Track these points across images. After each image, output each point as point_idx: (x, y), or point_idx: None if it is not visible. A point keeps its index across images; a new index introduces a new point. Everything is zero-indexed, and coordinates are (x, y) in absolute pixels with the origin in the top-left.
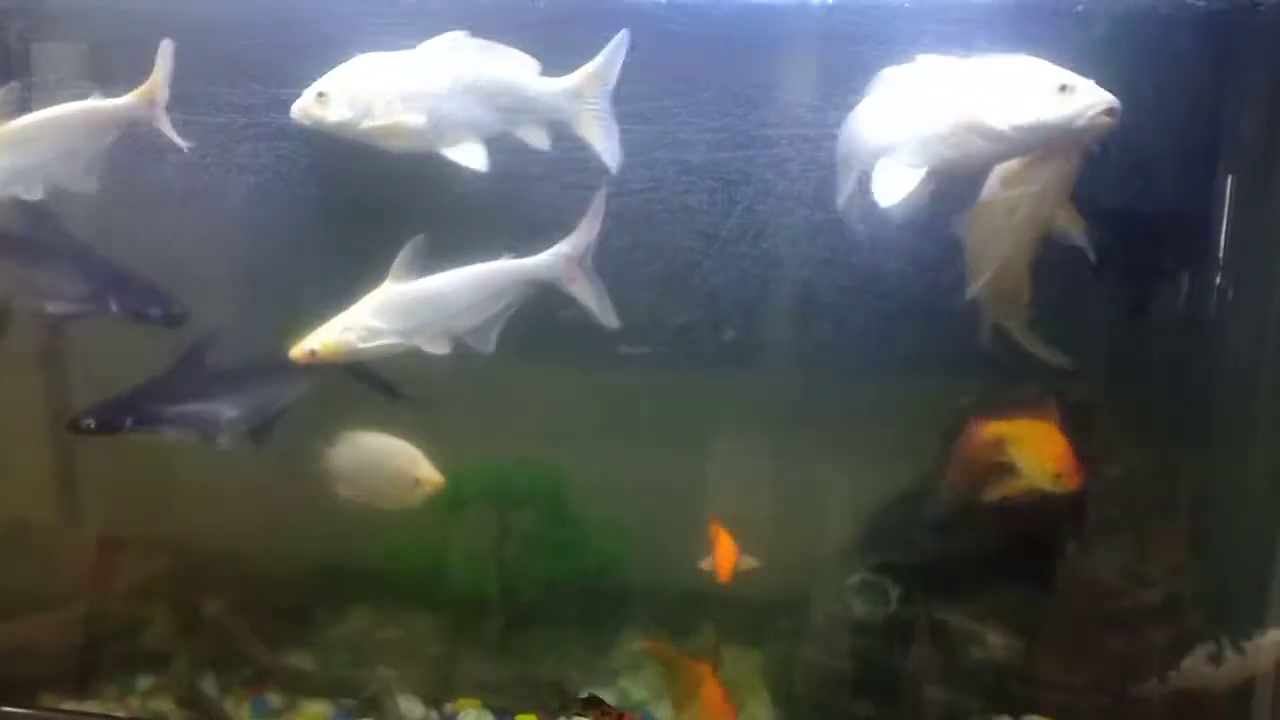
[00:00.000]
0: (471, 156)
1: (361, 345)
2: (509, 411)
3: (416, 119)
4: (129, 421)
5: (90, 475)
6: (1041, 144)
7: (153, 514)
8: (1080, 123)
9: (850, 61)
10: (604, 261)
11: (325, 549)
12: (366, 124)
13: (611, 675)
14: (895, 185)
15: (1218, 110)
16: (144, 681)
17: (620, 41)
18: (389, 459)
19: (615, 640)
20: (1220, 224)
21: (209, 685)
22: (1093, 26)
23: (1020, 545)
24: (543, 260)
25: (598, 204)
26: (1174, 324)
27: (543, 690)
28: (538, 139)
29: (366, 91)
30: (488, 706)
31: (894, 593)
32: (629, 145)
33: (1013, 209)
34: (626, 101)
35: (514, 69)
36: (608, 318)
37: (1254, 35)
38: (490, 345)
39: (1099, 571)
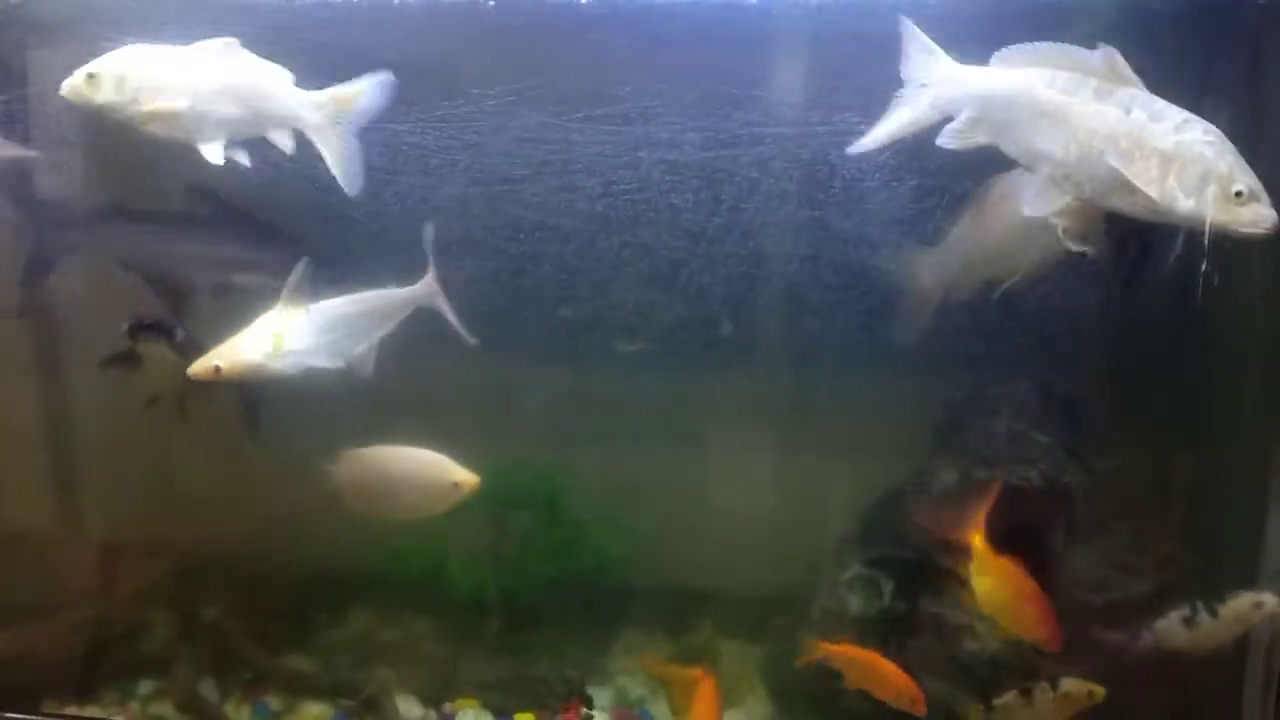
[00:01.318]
0: (222, 155)
1: (266, 365)
2: (506, 413)
3: (177, 106)
4: (180, 332)
5: (90, 481)
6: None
7: (152, 519)
8: (1240, 231)
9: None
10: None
11: (324, 552)
12: (131, 108)
13: (610, 674)
14: (1042, 200)
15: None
16: (145, 686)
17: (381, 81)
18: (421, 468)
19: (614, 639)
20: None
21: (209, 689)
22: (1079, 23)
23: (1011, 537)
24: (420, 288)
25: (428, 237)
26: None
27: (549, 685)
28: (285, 144)
29: (134, 78)
30: (486, 706)
31: (887, 587)
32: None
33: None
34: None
35: (269, 77)
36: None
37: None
38: (370, 368)
39: (1088, 563)
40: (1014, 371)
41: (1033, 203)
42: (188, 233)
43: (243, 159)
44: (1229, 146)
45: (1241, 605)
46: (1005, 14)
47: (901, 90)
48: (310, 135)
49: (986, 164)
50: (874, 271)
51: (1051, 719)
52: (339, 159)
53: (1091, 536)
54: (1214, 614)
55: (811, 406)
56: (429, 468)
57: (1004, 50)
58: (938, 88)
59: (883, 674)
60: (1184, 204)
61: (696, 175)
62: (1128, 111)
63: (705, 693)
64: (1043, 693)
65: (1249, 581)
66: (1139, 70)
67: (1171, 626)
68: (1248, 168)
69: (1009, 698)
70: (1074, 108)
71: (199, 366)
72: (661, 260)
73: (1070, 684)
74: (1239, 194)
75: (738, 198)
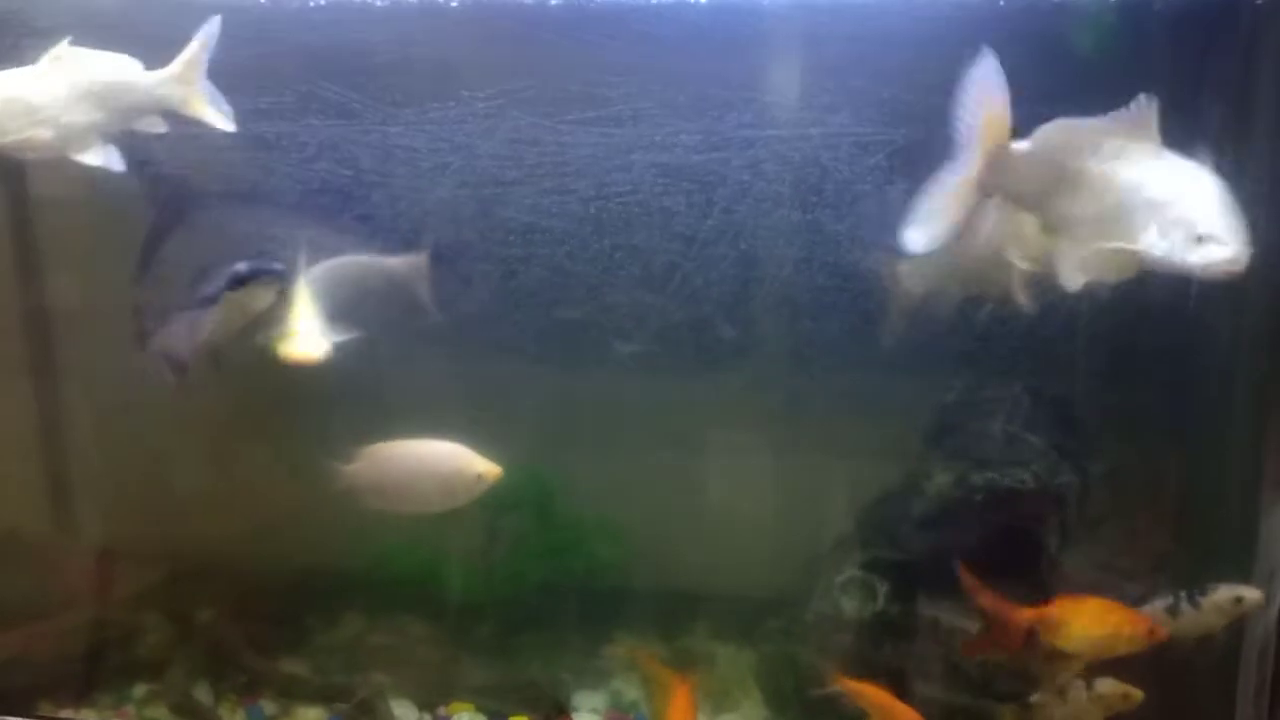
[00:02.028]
0: (101, 157)
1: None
2: (498, 415)
3: (45, 133)
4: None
5: (84, 484)
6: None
7: (146, 522)
8: (1204, 273)
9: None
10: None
11: (317, 556)
12: (1, 140)
13: (604, 676)
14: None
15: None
16: (139, 690)
17: (211, 27)
18: (442, 461)
19: (607, 642)
20: None
21: (203, 693)
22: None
23: (1006, 540)
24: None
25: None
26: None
27: (535, 694)
28: (156, 126)
29: None
30: (480, 710)
31: (882, 590)
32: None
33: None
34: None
35: (121, 69)
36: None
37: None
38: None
39: (1083, 566)
40: (1007, 374)
41: (1070, 274)
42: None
43: (115, 160)
44: (1209, 189)
45: (1222, 598)
46: (997, 13)
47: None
48: (178, 109)
49: None
50: (863, 274)
51: (1088, 717)
52: (212, 112)
53: (1084, 539)
54: (1196, 605)
55: (805, 409)
56: (451, 460)
57: (1044, 128)
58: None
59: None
60: (1161, 247)
61: (689, 178)
62: (1133, 170)
63: (680, 700)
64: (1077, 692)
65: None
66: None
67: (1155, 614)
68: (1223, 207)
69: (1043, 696)
70: (1094, 171)
71: (305, 350)
72: (657, 262)
73: (1105, 685)
74: (1199, 237)
75: (743, 199)
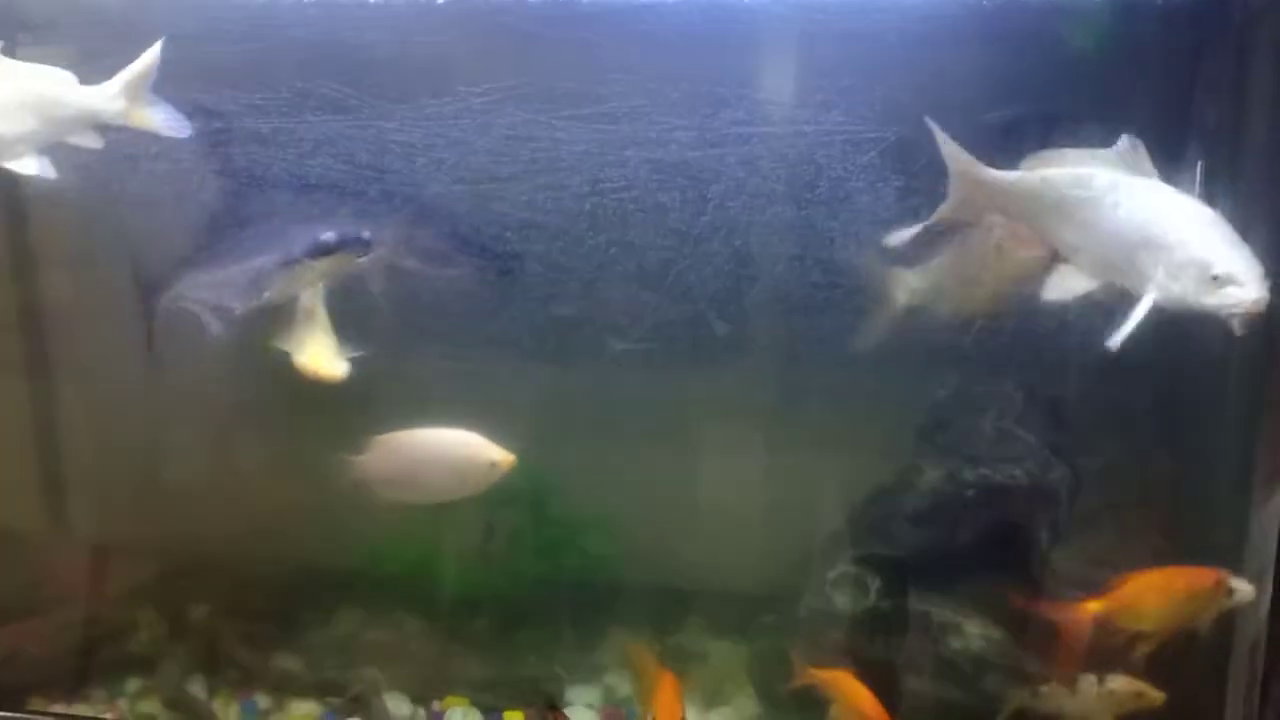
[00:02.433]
0: (34, 167)
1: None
2: (493, 411)
3: None
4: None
5: (76, 480)
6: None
7: (139, 517)
8: (1223, 314)
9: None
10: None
11: (311, 551)
12: None
13: (598, 671)
14: (1062, 285)
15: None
16: (133, 684)
17: (155, 49)
18: (455, 449)
19: (602, 637)
20: None
21: (197, 687)
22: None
23: (997, 536)
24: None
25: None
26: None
27: (530, 689)
28: (92, 141)
29: None
30: (475, 704)
31: (874, 585)
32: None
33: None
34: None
35: (57, 84)
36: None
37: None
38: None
39: (1074, 562)
40: (998, 372)
41: (1053, 287)
42: None
43: (48, 170)
44: (1217, 228)
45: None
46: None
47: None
48: (117, 122)
49: None
50: (853, 275)
51: (1098, 714)
52: (161, 122)
53: (1077, 534)
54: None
55: (799, 405)
56: (463, 447)
57: (1032, 156)
58: (965, 193)
59: (859, 707)
60: (1174, 289)
61: (683, 175)
62: (1134, 205)
63: (666, 692)
64: (1087, 685)
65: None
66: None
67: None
68: (1234, 246)
69: (1054, 686)
70: (1090, 207)
71: (327, 369)
72: (652, 258)
73: (1118, 682)
74: (1215, 278)
75: (735, 196)
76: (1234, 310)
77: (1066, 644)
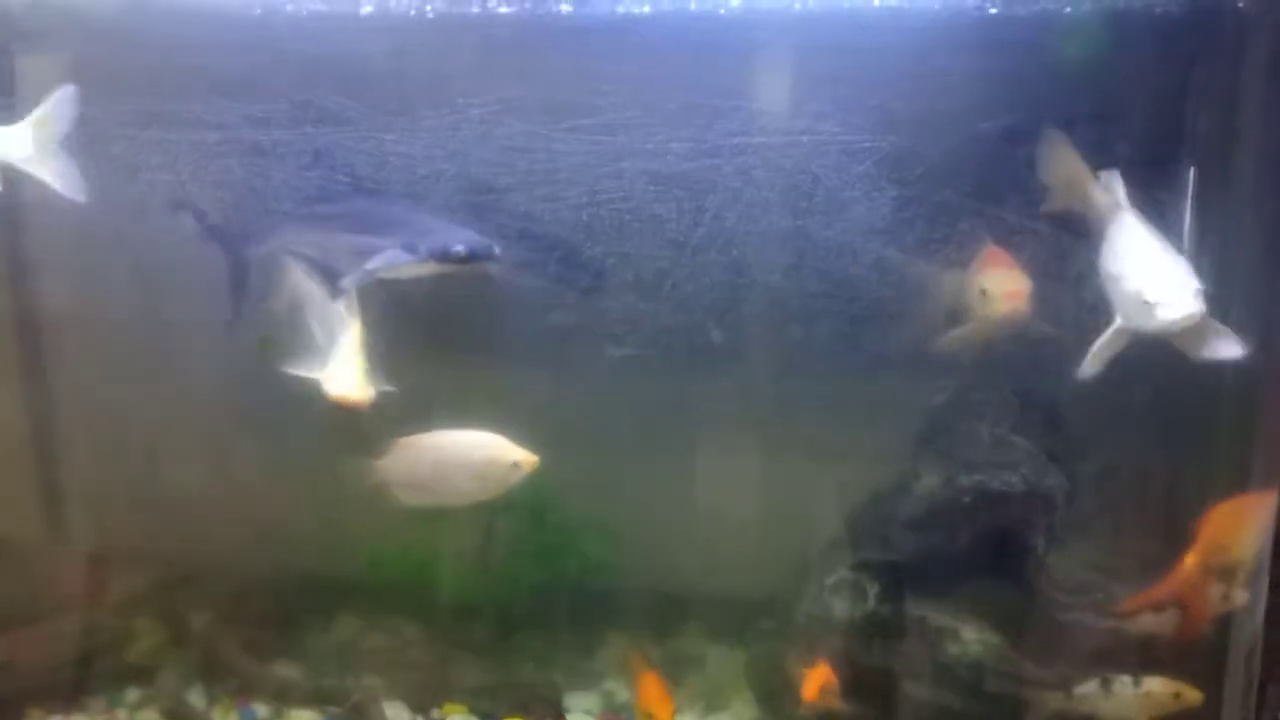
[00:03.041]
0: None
1: None
2: (493, 418)
3: None
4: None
5: (75, 489)
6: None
7: (138, 527)
8: (1166, 332)
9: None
10: None
11: (310, 559)
12: None
13: (597, 678)
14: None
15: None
16: (132, 694)
17: (65, 94)
18: (477, 451)
19: (600, 643)
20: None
21: (196, 696)
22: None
23: (993, 542)
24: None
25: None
26: None
27: (528, 696)
28: None
29: None
30: (474, 711)
31: (872, 590)
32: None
33: None
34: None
35: None
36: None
37: None
38: None
39: (1071, 567)
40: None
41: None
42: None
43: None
44: (1154, 256)
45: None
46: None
47: None
48: (20, 166)
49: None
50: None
51: (1135, 716)
52: (57, 175)
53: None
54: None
55: (796, 412)
56: (485, 449)
57: None
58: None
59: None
60: (1131, 322)
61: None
62: (1107, 243)
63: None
64: (1122, 686)
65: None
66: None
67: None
68: (1166, 270)
69: (1089, 688)
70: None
71: (352, 394)
72: (651, 267)
73: (1154, 683)
74: (1146, 304)
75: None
76: (1171, 328)
77: (1193, 607)
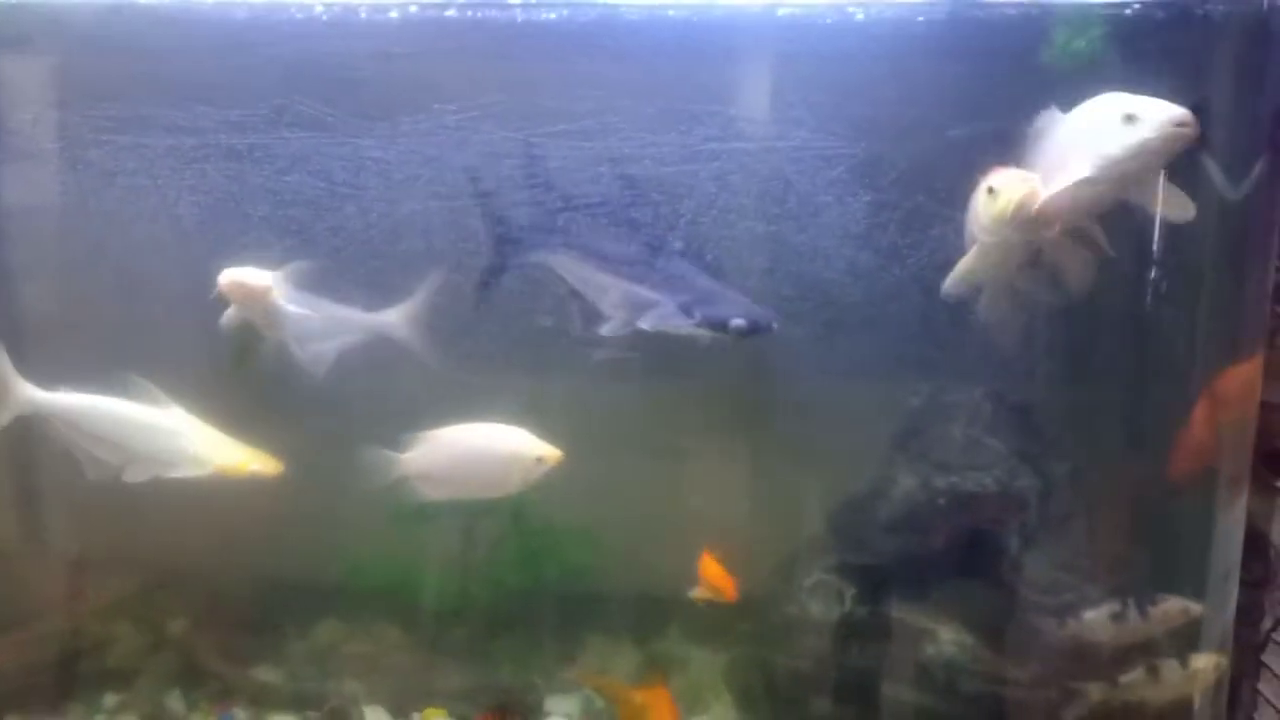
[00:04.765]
0: None
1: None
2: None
3: None
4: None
5: (52, 495)
6: (1133, 173)
7: (116, 533)
8: (1154, 145)
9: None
10: None
11: (291, 564)
12: None
13: (577, 682)
14: None
15: None
16: (110, 699)
17: None
18: (501, 445)
19: (581, 647)
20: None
21: (175, 702)
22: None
23: (968, 544)
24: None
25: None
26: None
27: (513, 694)
28: None
29: None
30: (454, 715)
31: (848, 593)
32: None
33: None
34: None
35: None
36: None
37: None
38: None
39: (1044, 567)
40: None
41: None
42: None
43: None
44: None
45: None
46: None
47: None
48: None
49: None
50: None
51: (1186, 695)
52: None
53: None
54: (1144, 614)
55: (776, 415)
56: (508, 443)
57: None
58: None
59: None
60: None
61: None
62: None
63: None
64: (1170, 670)
65: (1199, 584)
66: None
67: (1100, 620)
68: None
69: (1135, 675)
70: None
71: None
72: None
73: (1200, 660)
74: (1128, 117)
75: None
76: (1159, 135)
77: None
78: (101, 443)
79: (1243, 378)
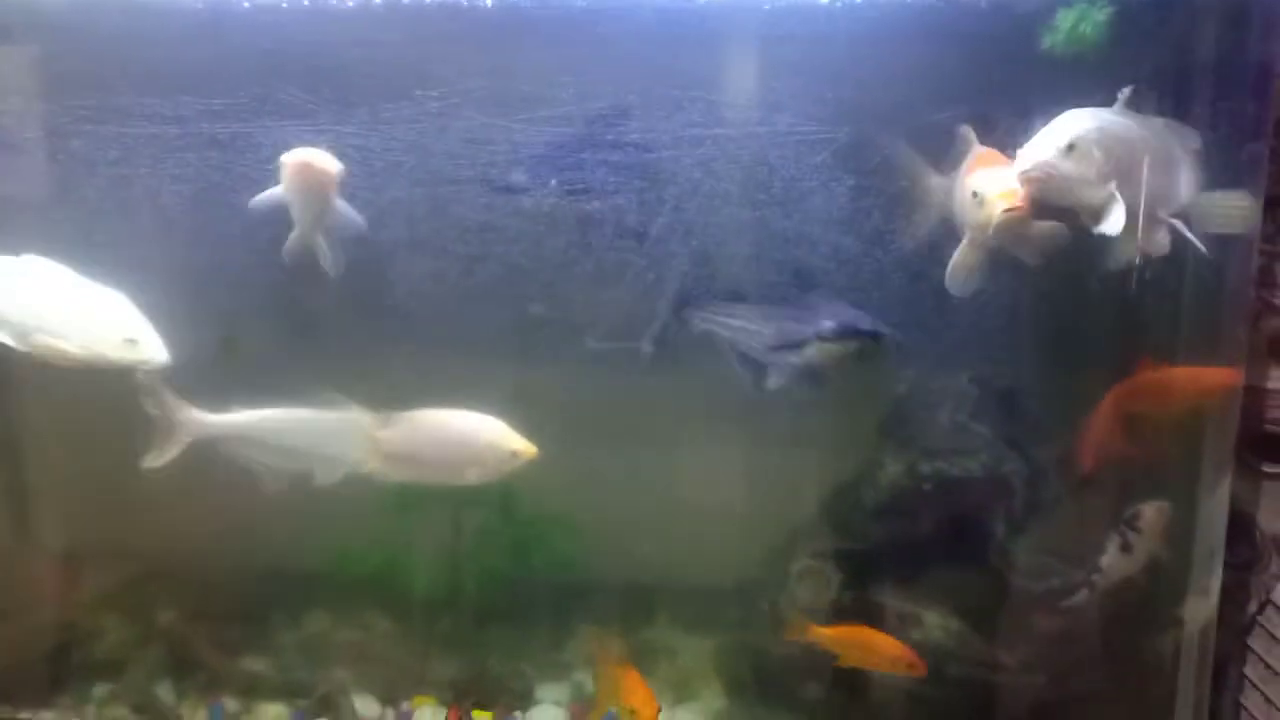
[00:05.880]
0: None
1: None
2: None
3: None
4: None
5: (42, 486)
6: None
7: (105, 523)
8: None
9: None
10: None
11: (279, 554)
12: None
13: (566, 669)
14: None
15: None
16: (100, 690)
17: None
18: (477, 434)
19: (570, 634)
20: None
21: (165, 691)
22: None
23: (954, 529)
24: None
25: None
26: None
27: (502, 682)
28: None
29: None
30: (443, 704)
31: (835, 579)
32: None
33: None
34: None
35: None
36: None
37: None
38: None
39: (1031, 552)
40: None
41: None
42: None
43: None
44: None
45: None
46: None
47: None
48: None
49: None
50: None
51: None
52: None
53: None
54: (1138, 530)
55: (762, 402)
56: (485, 433)
57: None
58: None
59: (875, 646)
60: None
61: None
62: None
63: (635, 685)
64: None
65: (1184, 567)
66: None
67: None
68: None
69: (1110, 555)
70: None
71: None
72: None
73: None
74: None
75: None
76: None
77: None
78: (281, 453)
79: (1180, 378)
